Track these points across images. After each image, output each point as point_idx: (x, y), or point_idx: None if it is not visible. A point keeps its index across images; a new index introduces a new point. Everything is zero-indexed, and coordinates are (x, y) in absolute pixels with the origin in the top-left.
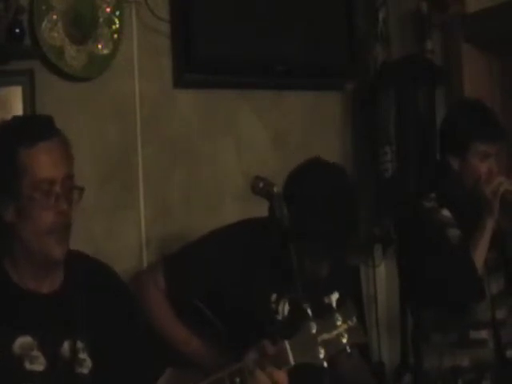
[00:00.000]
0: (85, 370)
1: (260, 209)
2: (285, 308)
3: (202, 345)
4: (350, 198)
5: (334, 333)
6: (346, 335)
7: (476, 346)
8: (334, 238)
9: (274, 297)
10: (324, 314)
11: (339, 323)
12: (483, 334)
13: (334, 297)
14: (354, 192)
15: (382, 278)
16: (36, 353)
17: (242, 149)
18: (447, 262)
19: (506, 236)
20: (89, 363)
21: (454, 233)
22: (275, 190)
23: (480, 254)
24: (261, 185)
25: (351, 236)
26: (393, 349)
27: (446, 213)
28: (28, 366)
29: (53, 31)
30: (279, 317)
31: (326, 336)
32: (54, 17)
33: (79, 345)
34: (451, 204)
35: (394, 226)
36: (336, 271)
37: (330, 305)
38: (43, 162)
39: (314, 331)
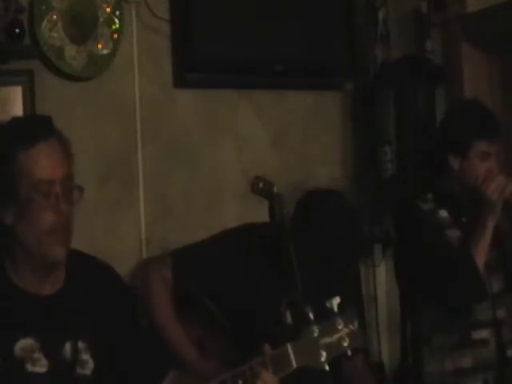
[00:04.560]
0: (87, 371)
1: (260, 209)
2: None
3: (193, 351)
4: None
5: (336, 336)
6: (347, 339)
7: (478, 345)
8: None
9: (283, 302)
10: (325, 318)
11: (340, 327)
12: (485, 333)
13: (335, 301)
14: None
15: (382, 278)
16: (38, 355)
17: (242, 149)
18: (449, 263)
19: (506, 235)
20: (91, 364)
21: (453, 233)
22: (275, 190)
23: (481, 254)
24: (261, 185)
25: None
26: (393, 349)
27: (443, 214)
28: (30, 368)
29: (53, 31)
30: (288, 321)
31: (327, 339)
32: (54, 17)
33: (81, 346)
34: (450, 204)
35: (393, 226)
36: (337, 275)
37: (332, 309)
38: (42, 163)
39: (315, 335)
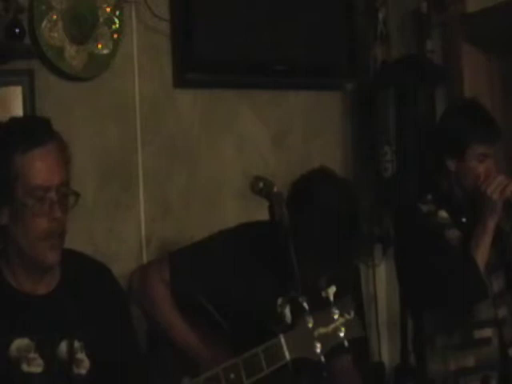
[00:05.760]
0: (82, 371)
1: (260, 208)
2: (289, 311)
3: (201, 344)
4: (356, 210)
5: (331, 326)
6: (343, 329)
7: (481, 344)
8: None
9: (279, 301)
10: (321, 307)
11: (336, 317)
12: (487, 332)
13: (331, 290)
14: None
15: (382, 277)
16: (33, 355)
17: (242, 148)
18: (449, 263)
19: (506, 235)
20: (86, 363)
21: (453, 234)
22: (275, 189)
23: (482, 254)
24: (260, 185)
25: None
26: (393, 349)
27: (443, 214)
28: (25, 368)
29: (53, 31)
30: (288, 320)
31: (322, 330)
32: (54, 17)
33: (76, 345)
34: (449, 204)
35: (393, 227)
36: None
37: (327, 298)
38: (38, 169)
39: (310, 325)
